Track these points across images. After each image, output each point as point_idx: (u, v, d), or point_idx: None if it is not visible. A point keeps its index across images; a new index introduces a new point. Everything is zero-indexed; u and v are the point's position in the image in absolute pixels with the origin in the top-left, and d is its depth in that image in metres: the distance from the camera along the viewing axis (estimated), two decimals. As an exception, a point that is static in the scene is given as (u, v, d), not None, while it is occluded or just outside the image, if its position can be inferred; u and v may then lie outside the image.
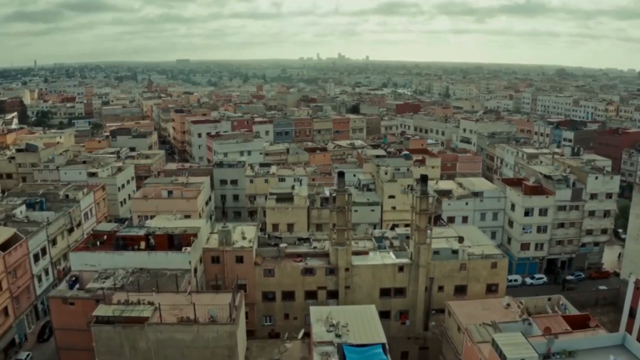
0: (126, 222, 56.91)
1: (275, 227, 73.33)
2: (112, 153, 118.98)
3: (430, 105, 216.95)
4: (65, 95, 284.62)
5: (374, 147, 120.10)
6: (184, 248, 50.26)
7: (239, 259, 54.08)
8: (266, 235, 60.04)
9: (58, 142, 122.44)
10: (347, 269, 54.17)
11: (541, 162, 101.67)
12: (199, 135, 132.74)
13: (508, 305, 49.74)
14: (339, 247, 53.46)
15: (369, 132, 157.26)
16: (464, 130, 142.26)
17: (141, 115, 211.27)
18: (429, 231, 55.18)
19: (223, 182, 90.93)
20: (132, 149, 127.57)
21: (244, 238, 56.00)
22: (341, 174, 54.34)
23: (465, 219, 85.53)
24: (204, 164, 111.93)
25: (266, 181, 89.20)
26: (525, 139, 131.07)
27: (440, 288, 57.30)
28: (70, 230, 76.22)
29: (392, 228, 66.67)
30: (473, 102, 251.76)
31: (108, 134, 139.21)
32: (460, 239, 60.31)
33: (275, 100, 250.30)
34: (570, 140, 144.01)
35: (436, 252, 57.81)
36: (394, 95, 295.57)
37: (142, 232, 52.96)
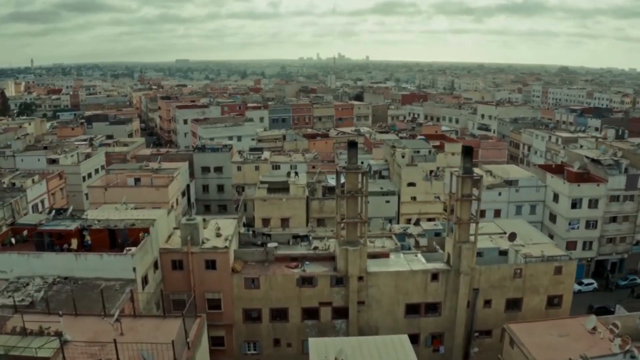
0: (52, 213, 41.61)
1: (265, 223, 58.28)
2: (84, 140, 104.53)
3: (439, 95, 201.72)
4: (51, 88, 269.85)
5: (383, 133, 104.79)
6: (126, 249, 35.07)
7: (210, 264, 38.87)
8: (250, 232, 44.80)
9: (20, 127, 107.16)
10: (360, 278, 38.98)
11: (581, 146, 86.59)
12: (185, 122, 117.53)
13: (594, 328, 34.50)
14: (350, 248, 38.28)
15: (374, 120, 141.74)
16: (482, 116, 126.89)
17: (130, 106, 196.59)
18: (473, 225, 40.07)
19: (205, 169, 75.68)
20: (110, 137, 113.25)
21: (218, 235, 40.75)
22: (353, 145, 39.08)
23: (497, 213, 70.54)
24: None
25: (257, 168, 74.00)
26: (554, 123, 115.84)
27: (487, 302, 42.17)
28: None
29: (417, 223, 51.40)
30: (483, 94, 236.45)
31: (83, 120, 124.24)
32: (512, 236, 45.08)
33: (273, 92, 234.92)
34: (596, 129, 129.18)
35: (478, 254, 42.74)
36: (398, 88, 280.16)
37: (73, 227, 37.76)
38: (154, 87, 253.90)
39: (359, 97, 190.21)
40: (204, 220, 45.43)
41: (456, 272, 40.17)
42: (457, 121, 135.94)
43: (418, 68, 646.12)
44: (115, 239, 38.09)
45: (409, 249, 44.92)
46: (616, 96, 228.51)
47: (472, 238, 40.12)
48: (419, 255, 42.46)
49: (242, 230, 45.39)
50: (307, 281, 39.20)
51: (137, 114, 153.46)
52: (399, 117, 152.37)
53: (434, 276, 40.17)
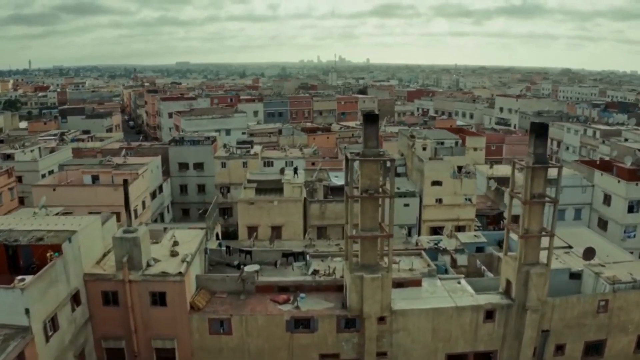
0: None
1: (252, 232, 45.81)
2: (54, 135, 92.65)
3: (448, 92, 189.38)
4: (38, 85, 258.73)
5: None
6: (17, 279, 22.45)
7: (158, 298, 26.24)
8: (224, 249, 32.12)
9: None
10: (381, 319, 26.30)
11: (626, 139, 74.30)
12: (170, 115, 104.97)
13: None
14: (367, 275, 25.60)
15: (381, 115, 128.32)
16: (501, 110, 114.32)
17: (120, 103, 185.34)
18: (545, 239, 27.56)
19: (183, 166, 63.03)
20: (86, 132, 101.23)
21: (173, 254, 28.13)
22: (371, 119, 26.27)
23: (536, 219, 58.27)
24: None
25: (245, 165, 61.40)
26: (584, 117, 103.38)
27: (559, 348, 29.58)
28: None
29: (450, 235, 38.74)
30: (492, 91, 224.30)
31: (57, 114, 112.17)
32: (588, 253, 32.44)
33: (271, 90, 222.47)
34: (622, 124, 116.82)
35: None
36: (401, 85, 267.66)
37: (-47, 243, 25.21)
38: (146, 84, 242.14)
39: (362, 93, 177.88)
40: (165, 229, 33.09)
41: (520, 308, 27.60)
42: (471, 116, 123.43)
43: (420, 70, 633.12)
44: (17, 261, 25.59)
45: (445, 271, 32.34)
46: (630, 94, 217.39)
47: (544, 260, 27.62)
48: (463, 282, 29.81)
49: (214, 244, 32.79)
50: (302, 324, 26.52)
51: (120, 107, 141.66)
52: (405, 113, 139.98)
53: (489, 314, 27.55)
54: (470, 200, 48.33)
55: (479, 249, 36.70)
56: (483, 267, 33.61)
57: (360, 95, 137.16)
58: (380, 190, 25.46)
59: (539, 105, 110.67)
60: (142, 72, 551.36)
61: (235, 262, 30.88)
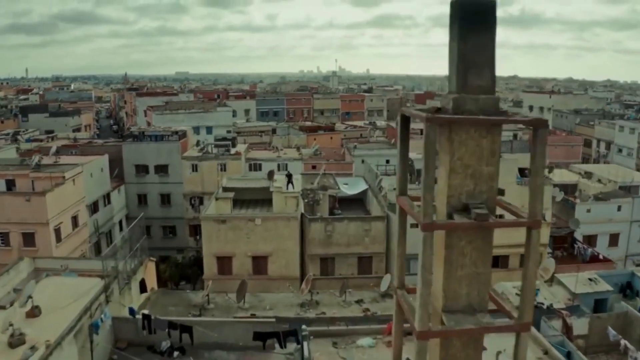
0: None
1: (223, 265, 30.80)
2: (5, 134, 79.19)
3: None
4: (21, 87, 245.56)
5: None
6: None
7: None
8: (140, 317, 16.70)
9: None
10: None
11: None
12: (146, 113, 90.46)
13: None
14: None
15: (389, 116, 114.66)
16: (530, 108, 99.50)
17: (108, 107, 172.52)
18: None
19: (141, 169, 47.87)
20: (50, 132, 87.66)
21: (14, 343, 12.87)
22: (478, 16, 10.22)
23: (614, 239, 43.82)
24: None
25: (223, 168, 46.41)
26: (635, 113, 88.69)
27: None
28: None
29: (551, 279, 23.29)
30: (506, 94, 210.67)
31: (17, 112, 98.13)
32: None
33: (268, 94, 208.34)
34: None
35: None
36: (406, 91, 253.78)
37: None
38: (136, 87, 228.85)
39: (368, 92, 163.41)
40: (63, 268, 17.90)
41: None
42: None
43: (421, 78, 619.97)
44: None
45: (568, 356, 17.03)
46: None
47: None
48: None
49: (123, 309, 17.47)
50: None
51: (92, 105, 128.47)
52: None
53: None
54: (543, 216, 33.18)
55: (599, 305, 21.52)
56: (624, 342, 18.39)
57: (367, 94, 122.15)
58: (489, 211, 10.21)
59: (576, 102, 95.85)
60: (137, 81, 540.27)
61: (165, 345, 15.61)
